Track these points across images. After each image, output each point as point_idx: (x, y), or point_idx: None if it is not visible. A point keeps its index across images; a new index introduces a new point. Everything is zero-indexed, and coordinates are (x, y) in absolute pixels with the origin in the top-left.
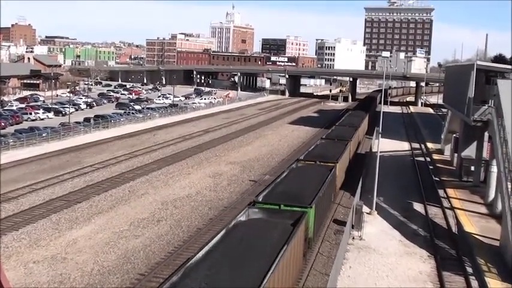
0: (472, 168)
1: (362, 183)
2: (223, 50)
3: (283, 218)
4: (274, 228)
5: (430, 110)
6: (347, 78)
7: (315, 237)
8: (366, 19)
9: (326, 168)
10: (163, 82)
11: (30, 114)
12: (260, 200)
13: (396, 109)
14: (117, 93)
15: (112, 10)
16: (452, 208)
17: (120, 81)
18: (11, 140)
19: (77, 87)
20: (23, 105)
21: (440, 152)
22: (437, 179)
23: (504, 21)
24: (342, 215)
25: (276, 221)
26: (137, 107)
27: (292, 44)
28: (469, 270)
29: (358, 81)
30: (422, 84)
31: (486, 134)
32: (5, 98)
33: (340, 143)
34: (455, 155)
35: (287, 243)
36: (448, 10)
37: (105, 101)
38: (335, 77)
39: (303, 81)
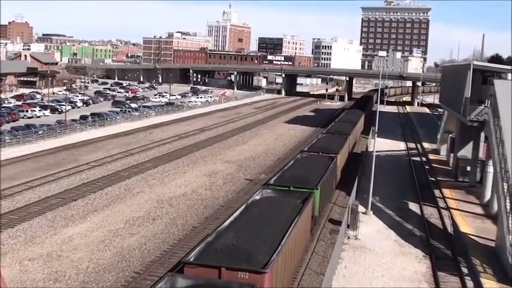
0: (468, 168)
1: (358, 183)
2: (220, 49)
3: (293, 197)
4: (286, 205)
5: (427, 110)
6: (343, 78)
7: (320, 216)
8: (362, 18)
9: (328, 158)
10: (160, 80)
11: (27, 111)
12: (272, 182)
13: (392, 109)
14: (114, 91)
15: (109, 8)
16: (447, 208)
17: (116, 79)
18: (7, 138)
19: (74, 85)
20: (20, 103)
21: (436, 152)
22: (433, 179)
23: (501, 21)
24: (337, 214)
25: (287, 199)
26: (133, 105)
27: (288, 43)
28: (465, 270)
29: (354, 80)
30: (419, 84)
31: (482, 134)
32: (2, 96)
33: (340, 137)
34: (452, 155)
35: (298, 215)
36: (445, 10)
37: (102, 99)
38: (331, 76)
39: (300, 80)
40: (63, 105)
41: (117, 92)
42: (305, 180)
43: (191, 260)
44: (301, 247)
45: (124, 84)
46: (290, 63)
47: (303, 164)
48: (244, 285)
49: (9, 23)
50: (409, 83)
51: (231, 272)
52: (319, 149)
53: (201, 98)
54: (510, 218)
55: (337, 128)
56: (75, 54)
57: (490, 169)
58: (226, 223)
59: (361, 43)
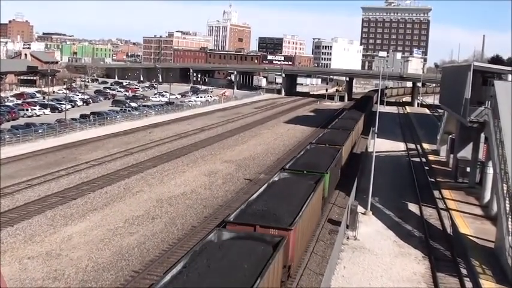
0: (468, 169)
1: (357, 183)
2: (220, 49)
3: (307, 179)
4: (302, 184)
5: (427, 111)
6: (343, 78)
7: (328, 198)
8: (363, 19)
9: (335, 149)
10: (160, 80)
11: (27, 110)
12: (287, 167)
13: (392, 109)
14: (114, 90)
15: (109, 8)
16: (447, 209)
17: (116, 79)
18: (7, 136)
19: (74, 84)
20: (20, 102)
21: (436, 152)
22: (432, 179)
23: (501, 22)
24: (336, 214)
25: (302, 180)
26: (133, 105)
27: (288, 43)
28: (464, 271)
29: (354, 80)
30: (419, 84)
31: (482, 135)
32: (2, 94)
33: (344, 132)
34: (451, 156)
35: (313, 191)
36: (445, 10)
37: (102, 98)
38: (331, 77)
39: (299, 80)
40: (63, 104)
41: (117, 91)
42: (316, 166)
43: (231, 220)
44: (315, 220)
45: (124, 84)
46: (290, 63)
47: (312, 153)
48: (276, 236)
49: (10, 21)
50: (409, 84)
51: (264, 229)
52: (326, 141)
53: (201, 97)
54: (509, 219)
55: (340, 124)
56: (75, 53)
57: (490, 170)
58: (255, 196)
59: (361, 43)
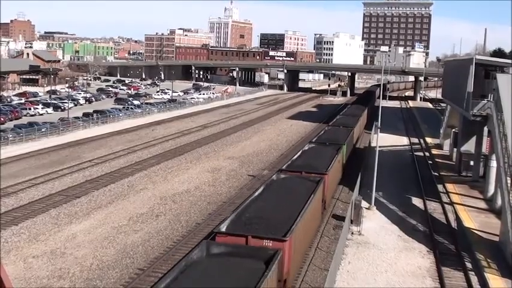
0: (471, 163)
1: (361, 178)
2: (222, 45)
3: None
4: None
5: (429, 105)
6: (345, 73)
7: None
8: (364, 13)
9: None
10: (162, 77)
11: (29, 109)
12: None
13: (395, 104)
14: (116, 88)
15: (111, 5)
16: (451, 203)
17: (118, 77)
18: (11, 135)
19: (76, 83)
20: (22, 101)
21: (439, 146)
22: (436, 174)
23: (503, 15)
24: (340, 210)
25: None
26: (136, 102)
27: (290, 38)
28: (469, 265)
29: (356, 75)
30: (421, 78)
31: (485, 129)
32: (4, 94)
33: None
34: (455, 149)
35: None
36: (447, 4)
37: (104, 96)
38: (333, 72)
39: (302, 76)
40: (66, 102)
41: (120, 89)
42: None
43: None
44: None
45: (126, 81)
46: (292, 59)
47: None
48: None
49: (11, 21)
50: (411, 78)
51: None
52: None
53: (204, 94)
54: None
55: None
56: (77, 51)
57: (493, 163)
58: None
59: (363, 38)
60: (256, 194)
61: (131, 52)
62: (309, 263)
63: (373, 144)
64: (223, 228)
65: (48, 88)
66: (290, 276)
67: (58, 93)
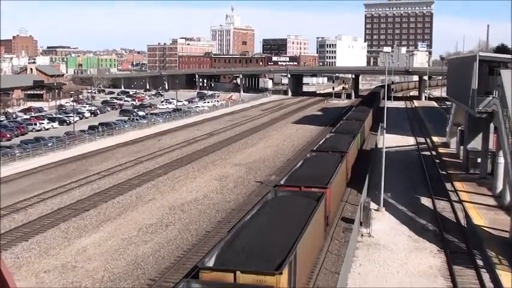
0: (479, 160)
1: (368, 180)
2: (225, 53)
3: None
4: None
5: (434, 104)
6: (349, 75)
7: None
8: (365, 15)
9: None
10: (166, 87)
11: (35, 124)
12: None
13: (400, 104)
14: (121, 100)
15: (112, 17)
16: (460, 201)
17: (122, 88)
18: (18, 151)
19: (81, 96)
20: (28, 116)
21: (446, 145)
22: (444, 172)
23: (505, 11)
24: (349, 212)
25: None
26: (141, 113)
27: (293, 43)
28: (480, 263)
29: (360, 77)
30: (425, 78)
31: (491, 125)
32: (10, 110)
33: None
34: (461, 147)
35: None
36: (448, 2)
37: (109, 108)
38: (337, 75)
39: (305, 80)
40: (71, 116)
41: (124, 101)
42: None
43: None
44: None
45: (130, 93)
46: (295, 63)
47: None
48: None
49: (14, 37)
50: (415, 78)
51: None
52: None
53: (208, 102)
54: None
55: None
56: (80, 65)
57: (501, 160)
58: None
59: (365, 40)
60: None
61: (134, 63)
62: (320, 267)
63: (379, 146)
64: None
65: (53, 103)
66: None
67: (64, 108)
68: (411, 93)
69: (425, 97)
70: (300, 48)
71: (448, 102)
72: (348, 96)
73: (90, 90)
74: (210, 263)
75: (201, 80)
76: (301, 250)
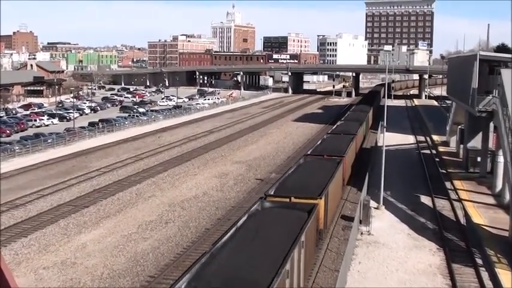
0: (479, 159)
1: (368, 178)
2: (225, 50)
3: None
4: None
5: (434, 103)
6: (350, 74)
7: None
8: (366, 13)
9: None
10: (167, 84)
11: (35, 120)
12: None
13: (400, 102)
14: (121, 96)
15: (113, 14)
16: (459, 200)
17: (123, 85)
18: (17, 148)
19: (81, 92)
20: (27, 112)
21: (446, 144)
22: (443, 171)
23: (505, 10)
24: (349, 210)
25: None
26: (141, 110)
27: (293, 41)
28: (479, 261)
29: (361, 76)
30: (426, 76)
31: (491, 125)
32: (9, 106)
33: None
34: (461, 146)
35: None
36: (449, 1)
37: (109, 105)
38: (338, 73)
39: (306, 77)
40: (71, 112)
41: (124, 97)
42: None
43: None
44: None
45: (131, 89)
46: (296, 61)
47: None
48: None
49: (14, 33)
50: (415, 76)
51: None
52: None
53: (209, 99)
54: None
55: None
56: (80, 61)
57: (501, 159)
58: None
59: (366, 38)
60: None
61: (135, 60)
62: (319, 265)
63: (379, 144)
64: None
65: (53, 99)
66: None
67: (61, 105)
68: (411, 92)
69: (426, 96)
70: (301, 46)
71: (448, 101)
72: (349, 95)
73: (90, 87)
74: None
75: (201, 77)
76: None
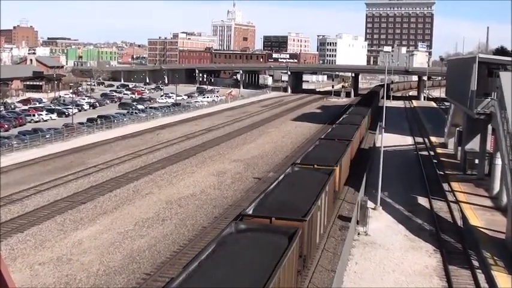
0: (476, 161)
1: (366, 179)
2: (225, 48)
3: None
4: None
5: (433, 104)
6: (349, 74)
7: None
8: (366, 14)
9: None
10: (166, 81)
11: (34, 115)
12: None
13: (399, 104)
14: (120, 93)
15: (114, 10)
16: (457, 202)
17: (122, 81)
18: (15, 142)
19: (80, 88)
20: (26, 107)
21: (444, 145)
22: (441, 172)
23: (505, 13)
24: (346, 211)
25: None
26: (140, 107)
27: (293, 40)
28: (476, 263)
29: (360, 76)
30: (425, 78)
31: (490, 127)
32: (8, 100)
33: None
34: (459, 148)
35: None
36: (449, 3)
37: (108, 101)
38: (337, 73)
39: (305, 77)
40: (70, 108)
41: (124, 94)
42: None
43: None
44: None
45: (130, 86)
46: (295, 60)
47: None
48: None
49: (14, 27)
50: (414, 78)
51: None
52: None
53: (208, 97)
54: None
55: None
56: (80, 57)
57: (498, 161)
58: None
59: (366, 39)
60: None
61: (134, 57)
62: (316, 265)
63: (378, 145)
64: None
65: (52, 94)
66: None
67: (56, 101)
68: (410, 93)
69: (424, 97)
70: (301, 46)
71: (446, 103)
72: (348, 95)
73: (89, 83)
74: None
75: (201, 75)
76: None
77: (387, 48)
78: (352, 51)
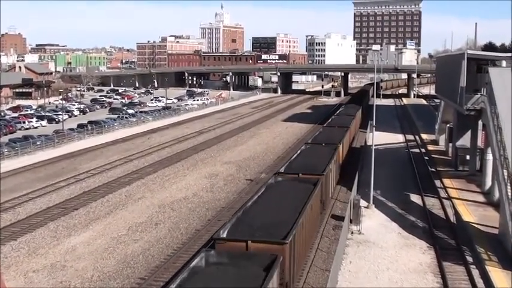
0: (468, 157)
1: (358, 177)
2: (214, 51)
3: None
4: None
5: (423, 101)
6: (338, 73)
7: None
8: (354, 13)
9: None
10: (156, 85)
11: (24, 123)
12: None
13: (389, 102)
14: (110, 98)
15: (101, 15)
16: (449, 198)
17: (112, 86)
18: (6, 150)
19: (69, 94)
20: (16, 115)
21: (435, 142)
22: (433, 169)
23: (493, 9)
24: (339, 210)
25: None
26: (130, 111)
27: (282, 41)
28: (469, 259)
29: (349, 75)
30: (414, 75)
31: (480, 123)
32: None
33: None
34: (450, 144)
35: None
36: (436, 0)
37: (98, 107)
38: (326, 73)
39: (295, 78)
40: (60, 114)
41: (114, 99)
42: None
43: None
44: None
45: (120, 91)
46: (285, 61)
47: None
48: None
49: (2, 35)
50: (404, 76)
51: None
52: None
53: (198, 100)
54: None
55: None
56: (69, 63)
57: (490, 157)
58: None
59: (354, 38)
60: None
61: (124, 61)
62: (310, 264)
63: (369, 143)
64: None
65: (41, 101)
66: None
67: (40, 110)
68: (400, 91)
69: (414, 95)
70: (290, 47)
71: (436, 100)
72: (337, 94)
73: (79, 88)
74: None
75: (190, 78)
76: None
77: (376, 47)
78: (341, 51)
